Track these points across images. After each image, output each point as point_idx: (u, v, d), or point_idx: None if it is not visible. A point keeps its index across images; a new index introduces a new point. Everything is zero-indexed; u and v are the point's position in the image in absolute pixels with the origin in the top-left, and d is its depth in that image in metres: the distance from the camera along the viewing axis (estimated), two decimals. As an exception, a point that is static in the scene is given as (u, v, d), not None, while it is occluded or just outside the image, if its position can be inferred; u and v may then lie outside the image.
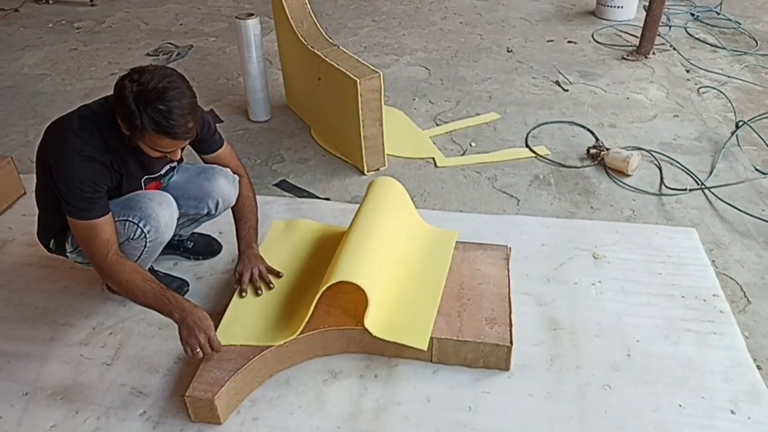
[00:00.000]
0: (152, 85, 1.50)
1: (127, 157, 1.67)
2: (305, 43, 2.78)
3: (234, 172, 1.94)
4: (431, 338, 1.71)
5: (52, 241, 1.82)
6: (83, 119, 1.61)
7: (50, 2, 4.98)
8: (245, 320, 1.77)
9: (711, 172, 2.68)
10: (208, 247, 2.19)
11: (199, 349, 1.59)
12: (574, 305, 1.96)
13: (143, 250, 1.73)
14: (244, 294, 1.85)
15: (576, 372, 1.74)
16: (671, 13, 4.47)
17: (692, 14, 4.52)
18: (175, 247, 2.14)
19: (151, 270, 1.94)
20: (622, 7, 4.41)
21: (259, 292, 1.85)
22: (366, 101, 2.49)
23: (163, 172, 1.82)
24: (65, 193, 1.58)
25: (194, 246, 2.17)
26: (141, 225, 1.68)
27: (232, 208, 1.96)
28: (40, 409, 1.67)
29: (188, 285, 2.03)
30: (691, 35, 4.19)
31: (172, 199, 1.78)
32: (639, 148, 2.84)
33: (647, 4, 3.75)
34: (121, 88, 1.52)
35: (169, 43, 4.13)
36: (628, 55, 3.85)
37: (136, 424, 1.62)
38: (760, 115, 3.12)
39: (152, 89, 1.50)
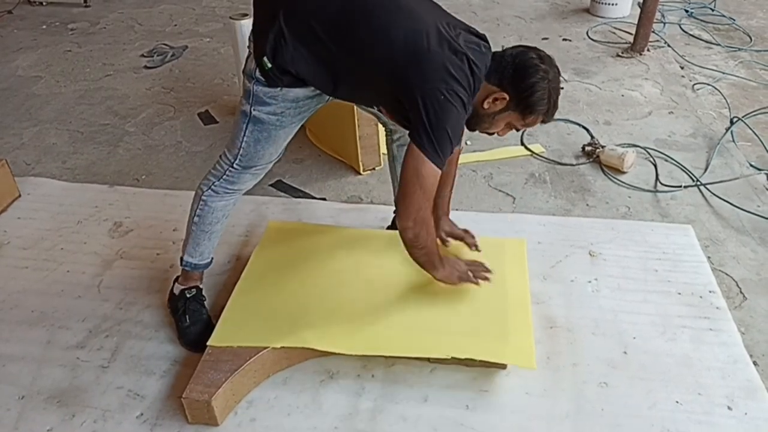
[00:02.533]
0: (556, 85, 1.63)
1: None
2: (300, 43, 2.77)
3: None
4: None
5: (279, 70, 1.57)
6: (464, 73, 1.52)
7: (44, 4, 4.96)
8: (243, 322, 1.77)
9: (706, 169, 2.68)
10: None
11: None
12: (571, 303, 1.97)
13: None
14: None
15: (573, 370, 1.74)
16: (665, 9, 4.47)
17: (686, 11, 4.52)
18: None
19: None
20: (616, 4, 4.41)
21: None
22: (361, 101, 2.49)
23: None
24: (440, 138, 1.49)
25: None
26: None
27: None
28: (37, 412, 1.66)
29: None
30: (685, 32, 4.19)
31: None
32: (634, 145, 2.84)
33: (641, 1, 3.75)
34: (535, 75, 1.57)
35: (164, 44, 4.12)
36: (622, 52, 3.86)
37: (133, 427, 1.62)
38: (754, 111, 3.12)
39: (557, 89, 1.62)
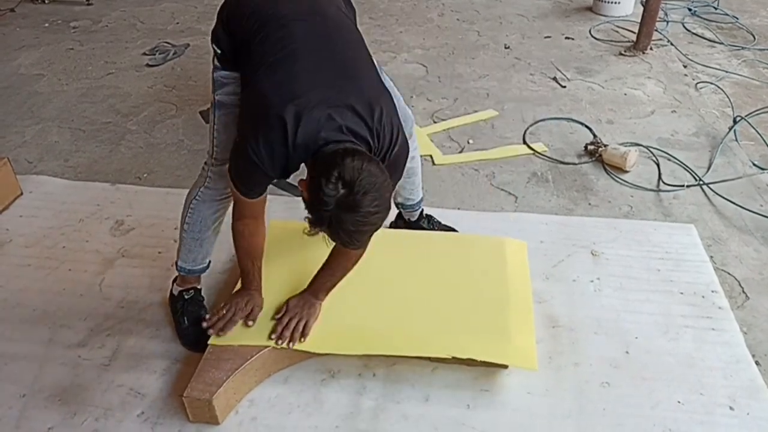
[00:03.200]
0: (358, 203, 1.30)
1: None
2: (302, 41, 2.77)
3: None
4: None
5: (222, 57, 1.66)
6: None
7: (46, 2, 4.96)
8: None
9: (709, 168, 2.68)
10: None
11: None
12: (573, 302, 1.96)
13: None
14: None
15: (574, 369, 1.74)
16: (668, 8, 4.45)
17: (689, 9, 4.50)
18: None
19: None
20: (619, 2, 4.39)
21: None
22: (363, 99, 2.48)
23: None
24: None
25: None
26: None
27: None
28: (38, 410, 1.66)
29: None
30: (688, 30, 4.18)
31: None
32: (637, 144, 2.84)
33: (644, -1, 3.74)
34: (323, 184, 1.31)
35: (166, 42, 4.11)
36: (625, 51, 3.84)
37: (134, 425, 1.62)
38: (757, 110, 3.11)
39: (356, 208, 1.30)
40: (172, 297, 1.92)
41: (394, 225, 2.24)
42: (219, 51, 1.66)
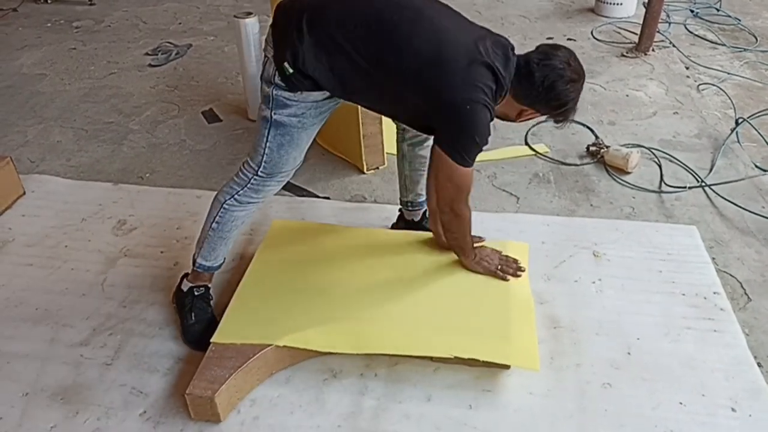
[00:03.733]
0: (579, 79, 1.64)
1: None
2: (304, 41, 2.78)
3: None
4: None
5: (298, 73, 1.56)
6: (489, 83, 1.58)
7: (49, 2, 4.97)
8: (247, 319, 1.77)
9: (711, 170, 2.68)
10: None
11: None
12: (574, 303, 1.96)
13: None
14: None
15: (576, 370, 1.74)
16: (671, 9, 4.46)
17: (692, 11, 4.51)
18: None
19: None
20: (621, 3, 4.40)
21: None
22: (365, 100, 2.49)
23: None
24: (467, 145, 1.60)
25: None
26: None
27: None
28: (41, 409, 1.67)
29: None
30: (690, 32, 4.18)
31: None
32: (639, 146, 2.84)
33: (646, 0, 3.74)
34: (566, 95, 1.62)
35: (168, 42, 4.12)
36: (627, 52, 3.85)
37: (136, 424, 1.62)
38: (759, 112, 3.11)
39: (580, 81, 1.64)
40: (180, 293, 1.91)
41: (395, 226, 2.24)
42: (292, 70, 1.54)
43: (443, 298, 1.84)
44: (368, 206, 2.46)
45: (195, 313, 1.85)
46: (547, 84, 1.59)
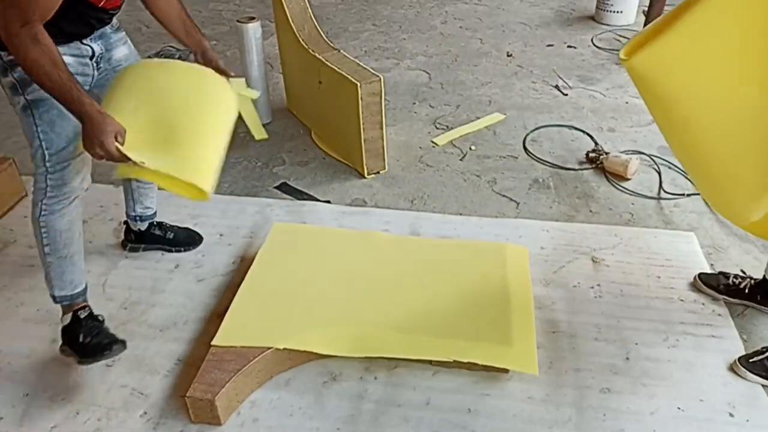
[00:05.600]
0: None
1: None
2: (306, 46, 2.79)
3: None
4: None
5: None
6: None
7: (51, 5, 4.99)
8: (247, 322, 1.78)
9: (710, 177, 2.69)
10: (188, 238, 2.25)
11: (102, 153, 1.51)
12: (573, 308, 1.97)
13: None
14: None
15: (575, 375, 1.75)
16: (670, 18, 4.48)
17: (691, 19, 4.53)
18: (156, 241, 2.19)
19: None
20: (621, 11, 4.42)
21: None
22: (366, 105, 2.51)
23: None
24: None
25: (175, 237, 2.22)
26: None
27: (154, 13, 1.83)
28: (41, 409, 1.67)
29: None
30: (690, 40, 4.20)
31: None
32: (638, 152, 2.85)
33: (646, 8, 3.76)
34: None
35: (170, 47, 4.14)
36: (627, 60, 3.86)
37: (137, 425, 1.63)
38: (758, 120, 3.12)
39: None
40: (67, 330, 1.74)
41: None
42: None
43: (443, 301, 1.85)
44: (369, 210, 2.48)
45: (88, 332, 1.71)
46: None
